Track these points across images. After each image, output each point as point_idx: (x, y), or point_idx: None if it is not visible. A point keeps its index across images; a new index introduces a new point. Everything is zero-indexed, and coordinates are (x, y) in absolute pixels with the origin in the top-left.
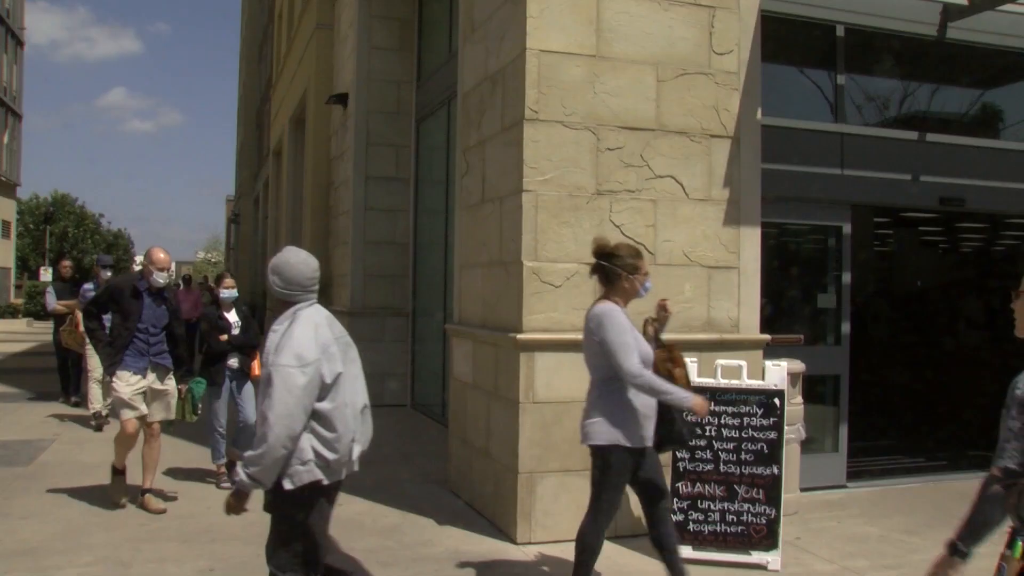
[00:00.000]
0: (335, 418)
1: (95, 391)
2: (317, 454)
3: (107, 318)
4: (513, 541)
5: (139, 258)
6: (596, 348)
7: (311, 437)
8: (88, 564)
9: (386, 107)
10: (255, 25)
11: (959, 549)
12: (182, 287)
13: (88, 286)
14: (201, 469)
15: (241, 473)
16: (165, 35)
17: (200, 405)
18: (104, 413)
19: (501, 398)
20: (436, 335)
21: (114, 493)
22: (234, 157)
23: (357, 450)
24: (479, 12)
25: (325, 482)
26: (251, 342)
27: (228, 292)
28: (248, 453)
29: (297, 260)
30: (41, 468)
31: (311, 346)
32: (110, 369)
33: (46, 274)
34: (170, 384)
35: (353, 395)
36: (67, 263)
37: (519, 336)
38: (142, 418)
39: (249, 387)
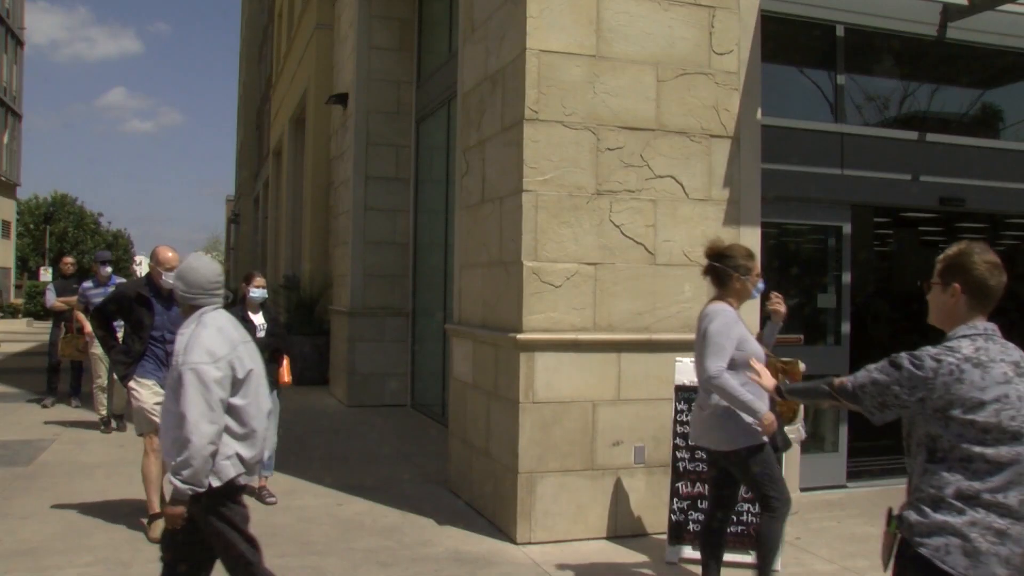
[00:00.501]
0: (249, 414)
1: (100, 396)
2: (235, 450)
3: (118, 324)
4: (513, 541)
5: (140, 258)
6: (711, 348)
7: (227, 433)
8: (88, 564)
9: (386, 107)
10: (255, 25)
11: (780, 390)
12: None
13: (88, 284)
14: None
15: (174, 481)
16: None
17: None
18: (105, 414)
19: (501, 398)
20: (436, 335)
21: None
22: (234, 157)
23: (266, 452)
24: (479, 12)
25: (242, 480)
26: (279, 346)
27: (258, 292)
28: (177, 459)
29: (200, 265)
30: (41, 468)
31: (220, 343)
32: (125, 379)
33: (46, 274)
34: None
35: (263, 396)
36: (69, 260)
37: (519, 336)
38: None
39: (275, 397)
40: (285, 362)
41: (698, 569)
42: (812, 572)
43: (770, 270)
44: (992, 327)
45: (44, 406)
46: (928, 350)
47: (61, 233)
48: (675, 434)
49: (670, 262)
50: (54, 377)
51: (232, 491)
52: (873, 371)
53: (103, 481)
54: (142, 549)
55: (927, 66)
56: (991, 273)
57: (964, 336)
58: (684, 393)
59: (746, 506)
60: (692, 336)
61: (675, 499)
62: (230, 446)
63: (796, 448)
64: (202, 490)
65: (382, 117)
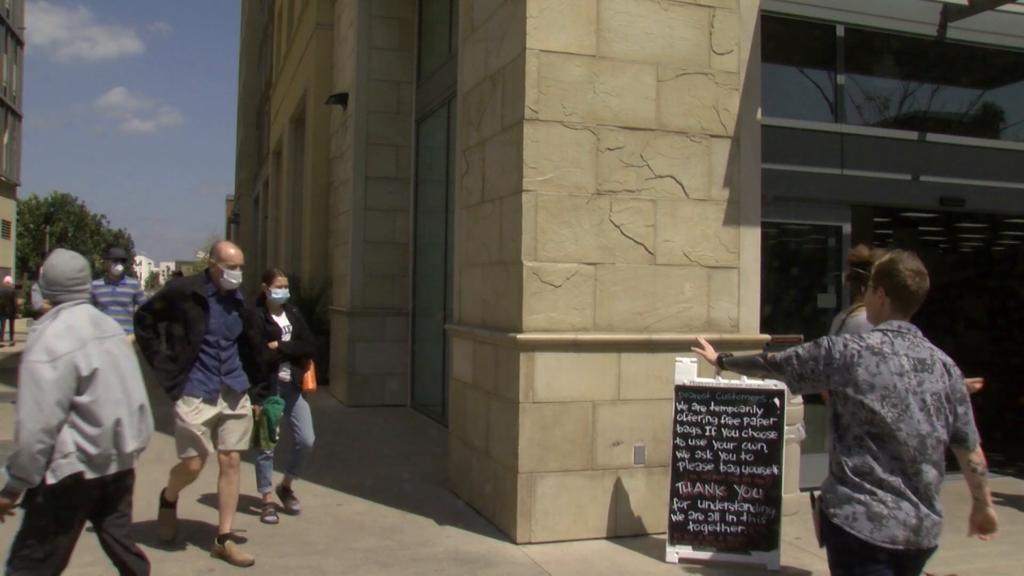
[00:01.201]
0: (96, 412)
1: None
2: (79, 447)
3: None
4: (513, 541)
5: (140, 258)
6: None
7: (72, 431)
8: (88, 564)
9: (386, 107)
10: (255, 25)
11: (722, 360)
12: None
13: (98, 282)
14: (243, 496)
15: (5, 474)
16: (166, 35)
17: (278, 429)
18: None
19: (501, 398)
20: (436, 335)
21: (163, 527)
22: (234, 157)
23: (133, 445)
24: (479, 12)
25: (88, 475)
26: (305, 350)
27: (280, 292)
28: (9, 454)
29: (59, 261)
30: None
31: (63, 341)
32: (173, 392)
33: None
34: (247, 406)
35: (127, 392)
36: None
37: (519, 336)
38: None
39: (304, 404)
40: (311, 367)
41: (698, 569)
42: (813, 572)
43: (770, 270)
44: (909, 326)
45: None
46: (845, 336)
47: (61, 233)
48: (675, 434)
49: (670, 262)
50: None
51: (72, 488)
52: (799, 348)
53: None
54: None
55: (927, 66)
56: (913, 280)
57: (878, 331)
58: (684, 393)
59: (746, 506)
60: (692, 336)
61: (675, 499)
62: (70, 444)
63: (796, 448)
64: (32, 485)
65: (382, 117)
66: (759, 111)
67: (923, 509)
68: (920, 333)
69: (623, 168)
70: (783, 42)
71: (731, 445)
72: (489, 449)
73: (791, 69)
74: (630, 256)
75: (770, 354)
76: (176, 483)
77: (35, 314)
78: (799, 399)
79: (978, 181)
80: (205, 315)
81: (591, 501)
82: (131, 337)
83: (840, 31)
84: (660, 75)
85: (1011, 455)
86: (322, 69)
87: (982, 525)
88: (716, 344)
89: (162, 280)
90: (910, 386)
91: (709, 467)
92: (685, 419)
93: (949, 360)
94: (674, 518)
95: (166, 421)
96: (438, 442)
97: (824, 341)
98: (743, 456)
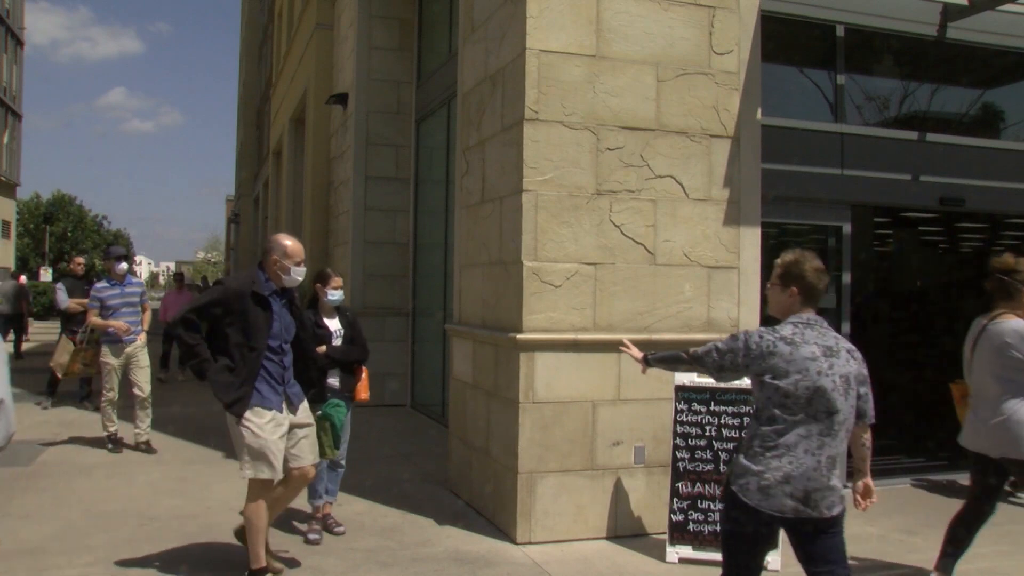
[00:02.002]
0: None
1: (110, 412)
2: None
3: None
4: (513, 541)
5: (140, 258)
6: (1014, 362)
7: None
8: (88, 564)
9: (386, 107)
10: (255, 25)
11: (648, 359)
12: (174, 287)
13: (101, 284)
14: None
15: None
16: (166, 35)
17: (342, 436)
18: (114, 431)
19: (501, 398)
20: (436, 335)
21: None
22: (234, 157)
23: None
24: (479, 12)
25: None
26: (355, 356)
27: (335, 294)
28: None
29: None
30: (41, 468)
31: None
32: (237, 407)
33: (46, 274)
34: (310, 414)
35: None
36: (80, 260)
37: (519, 336)
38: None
39: (348, 418)
40: (363, 374)
41: (698, 569)
42: None
43: (770, 270)
44: (816, 318)
45: (43, 407)
46: (760, 329)
47: (61, 233)
48: (675, 434)
49: (670, 262)
50: (55, 379)
51: None
52: (718, 342)
53: (103, 481)
54: (142, 549)
55: (927, 66)
56: (818, 278)
57: (789, 323)
58: (684, 393)
59: None
60: (693, 336)
61: (675, 499)
62: None
63: None
64: None
65: (382, 117)
66: (759, 111)
67: (817, 482)
68: (826, 324)
69: (623, 168)
70: (783, 42)
71: (731, 445)
72: (489, 449)
73: (791, 69)
74: (630, 256)
75: (692, 349)
76: (260, 529)
77: (62, 313)
78: None
79: (978, 181)
80: (269, 318)
81: (591, 501)
82: (143, 337)
83: (840, 31)
84: (660, 75)
85: None
86: (322, 69)
87: (863, 493)
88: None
89: (162, 280)
90: (822, 369)
91: (709, 467)
92: (685, 419)
93: (852, 347)
94: (674, 518)
95: (165, 420)
96: (438, 442)
97: (741, 335)
98: None
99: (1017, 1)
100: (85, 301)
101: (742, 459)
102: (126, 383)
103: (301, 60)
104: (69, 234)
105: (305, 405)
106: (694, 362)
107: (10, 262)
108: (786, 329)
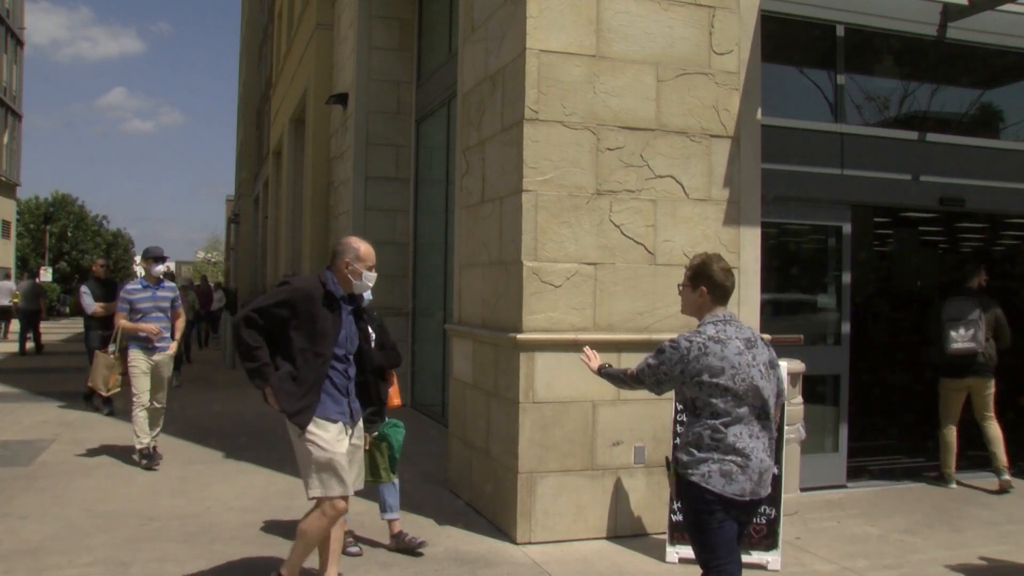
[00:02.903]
0: None
1: (142, 420)
2: None
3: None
4: (513, 541)
5: (201, 254)
6: None
7: None
8: (88, 564)
9: (386, 107)
10: (255, 25)
11: (601, 370)
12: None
13: (134, 286)
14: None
15: None
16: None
17: (398, 459)
18: (147, 443)
19: (501, 398)
20: (436, 335)
21: None
22: (234, 157)
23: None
24: (479, 12)
25: None
26: (394, 362)
27: (368, 296)
28: None
29: None
30: (41, 468)
31: None
32: (302, 417)
33: (46, 274)
34: (363, 434)
35: None
36: (102, 262)
37: (519, 336)
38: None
39: (386, 424)
40: (395, 380)
41: (698, 569)
42: (812, 572)
43: (770, 270)
44: (730, 314)
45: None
46: (684, 334)
47: (61, 233)
48: (675, 434)
49: (670, 262)
50: (91, 392)
51: None
52: (648, 359)
53: (103, 481)
54: (142, 549)
55: (927, 66)
56: (725, 277)
57: (710, 323)
58: None
59: None
60: None
61: (675, 499)
62: None
63: (796, 448)
64: None
65: (382, 117)
66: (759, 111)
67: (765, 463)
68: (737, 318)
69: (623, 168)
70: (783, 42)
71: None
72: (489, 449)
73: (791, 69)
74: (630, 256)
75: (629, 369)
76: (310, 538)
77: (87, 318)
78: (799, 398)
79: (978, 181)
80: (338, 323)
81: (591, 501)
82: (174, 346)
83: (840, 31)
84: (660, 75)
85: (1011, 455)
86: (322, 69)
87: None
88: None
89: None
90: (749, 361)
91: None
92: (685, 419)
93: (760, 334)
94: (674, 518)
95: (165, 420)
96: (438, 442)
97: (667, 347)
98: None
99: (1017, 1)
100: (110, 305)
101: (696, 452)
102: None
103: (301, 60)
104: (69, 234)
105: (360, 424)
106: (632, 381)
107: (10, 262)
108: (710, 330)
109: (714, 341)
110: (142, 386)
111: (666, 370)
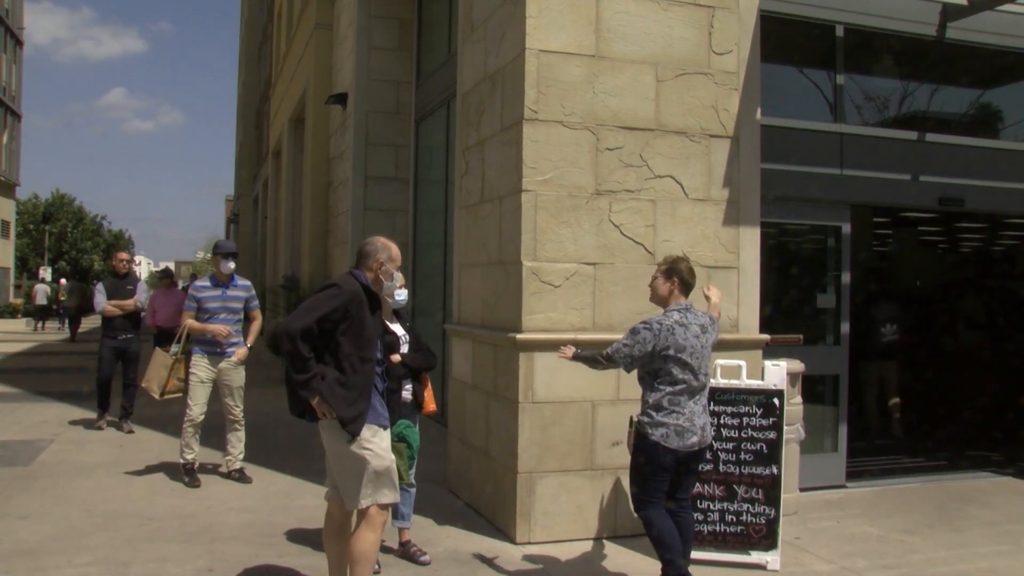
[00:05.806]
0: None
1: (191, 436)
2: None
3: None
4: (512, 541)
5: (140, 258)
6: None
7: None
8: (88, 564)
9: (385, 107)
10: (255, 25)
11: (576, 355)
12: (160, 286)
13: (203, 283)
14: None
15: None
16: (168, 34)
17: (416, 460)
18: (192, 459)
19: (500, 398)
20: (436, 335)
21: None
22: (234, 157)
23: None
24: (478, 12)
25: None
26: (429, 363)
27: (401, 295)
28: None
29: None
30: (41, 468)
31: None
32: (355, 425)
33: (45, 274)
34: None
35: None
36: (123, 255)
37: (519, 336)
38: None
39: (417, 430)
40: (429, 383)
41: (698, 569)
42: (811, 572)
43: (770, 270)
44: (690, 304)
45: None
46: (655, 318)
47: (60, 233)
48: None
49: None
50: (105, 392)
51: None
52: (622, 340)
53: (103, 481)
54: (142, 549)
55: (927, 66)
56: (692, 275)
57: (675, 310)
58: None
59: (745, 506)
60: None
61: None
62: None
63: (796, 448)
64: None
65: (382, 117)
66: (759, 111)
67: (704, 419)
68: (695, 307)
69: (622, 168)
70: (783, 42)
71: (730, 445)
72: (488, 449)
73: (791, 69)
74: (630, 256)
75: (604, 351)
76: (371, 555)
77: (101, 319)
78: (798, 398)
79: (978, 181)
80: (379, 327)
81: (591, 501)
82: (243, 352)
83: (840, 31)
84: (659, 75)
85: (1011, 455)
86: (322, 69)
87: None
88: (717, 344)
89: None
90: (703, 343)
91: (708, 467)
92: None
93: (712, 320)
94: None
95: (164, 420)
96: (438, 442)
97: (640, 327)
98: (742, 456)
99: (1017, 1)
100: (127, 303)
101: (657, 416)
102: (213, 400)
103: (301, 60)
104: (68, 234)
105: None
106: (607, 360)
107: (9, 262)
108: (676, 315)
109: (679, 324)
110: (196, 397)
111: (640, 348)
